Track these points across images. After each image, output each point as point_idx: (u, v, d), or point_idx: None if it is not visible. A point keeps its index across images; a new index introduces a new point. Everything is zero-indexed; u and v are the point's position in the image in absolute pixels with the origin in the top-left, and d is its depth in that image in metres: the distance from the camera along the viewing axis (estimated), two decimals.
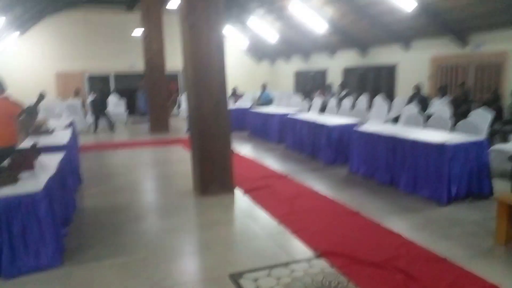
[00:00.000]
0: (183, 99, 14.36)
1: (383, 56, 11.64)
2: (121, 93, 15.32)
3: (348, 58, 13.10)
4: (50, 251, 3.41)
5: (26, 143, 5.06)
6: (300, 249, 3.65)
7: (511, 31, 7.99)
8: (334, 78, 13.66)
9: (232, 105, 11.66)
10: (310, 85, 14.90)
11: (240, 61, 17.90)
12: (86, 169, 6.72)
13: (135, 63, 14.90)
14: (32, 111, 5.30)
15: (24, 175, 3.77)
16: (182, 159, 7.63)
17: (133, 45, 14.78)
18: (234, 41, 17.42)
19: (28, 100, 8.58)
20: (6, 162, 4.11)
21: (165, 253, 3.69)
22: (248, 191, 5.42)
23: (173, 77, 15.71)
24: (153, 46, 11.01)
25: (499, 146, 5.97)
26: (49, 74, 15.06)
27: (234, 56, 17.09)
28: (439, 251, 3.47)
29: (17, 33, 13.99)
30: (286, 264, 3.33)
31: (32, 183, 3.54)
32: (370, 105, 10.44)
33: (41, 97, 4.90)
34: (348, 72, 13.37)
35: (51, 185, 3.68)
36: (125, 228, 4.32)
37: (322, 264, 3.31)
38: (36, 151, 4.41)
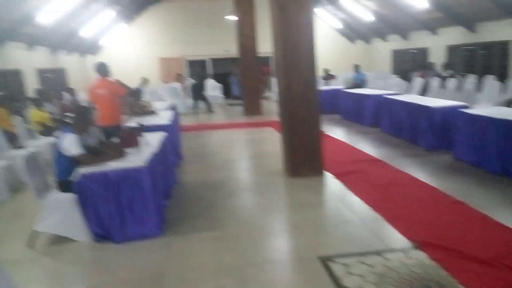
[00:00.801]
0: (274, 82, 14.46)
1: (494, 32, 10.29)
2: (217, 77, 15.97)
3: (452, 36, 11.86)
4: (153, 221, 3.71)
5: (132, 123, 5.53)
6: (395, 237, 3.46)
7: None
8: (437, 57, 12.51)
9: (323, 87, 11.39)
10: (409, 65, 13.88)
11: (333, 41, 17.36)
12: (185, 148, 7.16)
13: (230, 47, 15.33)
14: (136, 93, 5.75)
15: (130, 151, 4.13)
16: (273, 140, 7.71)
17: (228, 30, 15.19)
18: (326, 22, 16.93)
19: (134, 84, 9.39)
20: (114, 139, 4.54)
21: (257, 230, 3.78)
22: (339, 174, 5.28)
23: (266, 61, 15.86)
24: (246, 31, 11.17)
25: None
26: (153, 60, 16.26)
27: (326, 37, 16.63)
28: None
29: (124, 24, 15.29)
30: (379, 252, 3.17)
31: (137, 158, 3.86)
32: (478, 87, 9.39)
33: (144, 81, 5.37)
34: (452, 51, 12.14)
35: (154, 161, 3.97)
36: (220, 204, 4.52)
37: (420, 256, 3.09)
38: (141, 130, 4.80)
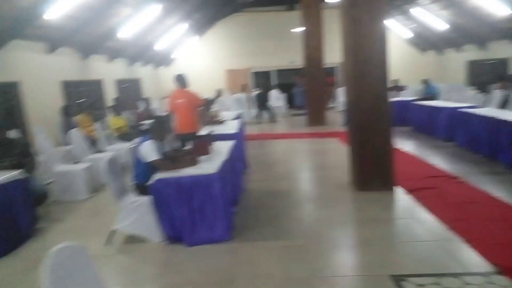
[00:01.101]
0: (339, 93, 14.26)
1: None
2: (282, 87, 16.13)
3: None
4: (222, 227, 3.81)
5: (203, 131, 5.76)
6: (474, 260, 3.22)
7: None
8: None
9: (393, 98, 11.00)
10: (487, 76, 12.97)
11: (402, 52, 16.78)
12: (250, 156, 7.28)
13: (295, 58, 15.43)
14: (210, 104, 6.01)
15: (202, 158, 4.29)
16: (338, 152, 7.59)
17: (293, 42, 15.31)
18: (396, 32, 16.41)
19: (204, 94, 9.80)
20: (188, 146, 4.75)
21: (324, 242, 3.73)
22: (411, 190, 5.05)
23: (330, 71, 15.73)
24: (312, 42, 11.19)
25: None
26: (220, 72, 16.82)
27: (395, 47, 16.08)
28: None
29: (196, 36, 16.01)
30: (457, 275, 2.98)
31: (209, 166, 4.00)
32: None
33: (219, 93, 5.60)
34: None
35: (224, 168, 4.09)
36: (285, 213, 4.53)
37: (504, 282, 2.85)
38: (212, 138, 4.97)
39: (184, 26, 13.00)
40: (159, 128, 4.14)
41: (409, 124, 9.89)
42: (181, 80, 5.69)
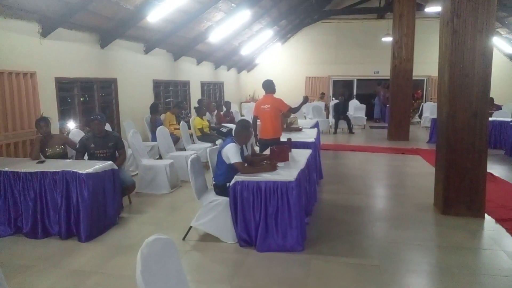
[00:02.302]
0: (425, 107, 13.48)
1: None
2: (362, 97, 15.68)
3: None
4: (295, 236, 3.80)
5: (282, 138, 5.79)
6: None
7: None
8: None
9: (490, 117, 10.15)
10: None
11: (501, 67, 15.37)
12: (325, 166, 7.17)
13: (380, 69, 14.92)
14: (296, 111, 6.02)
15: (280, 165, 4.32)
16: (421, 170, 7.17)
17: (379, 51, 14.82)
18: (497, 45, 15.09)
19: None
20: (268, 152, 4.81)
21: (401, 265, 3.55)
22: (501, 219, 4.60)
23: (419, 84, 14.94)
24: (402, 52, 10.73)
25: None
26: (300, 78, 16.81)
27: (496, 61, 14.82)
28: None
29: (279, 43, 16.20)
30: None
31: (287, 172, 4.01)
32: None
33: (305, 99, 5.57)
34: None
35: (301, 177, 4.08)
36: (360, 230, 4.38)
37: None
38: (291, 145, 4.98)
39: (269, 32, 13.24)
40: (242, 131, 4.25)
41: (502, 147, 9.02)
42: (268, 85, 5.79)
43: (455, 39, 4.64)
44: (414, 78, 11.13)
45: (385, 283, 3.21)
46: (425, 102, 14.71)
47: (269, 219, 3.81)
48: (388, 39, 12.06)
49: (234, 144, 4.07)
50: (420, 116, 14.28)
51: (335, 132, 12.24)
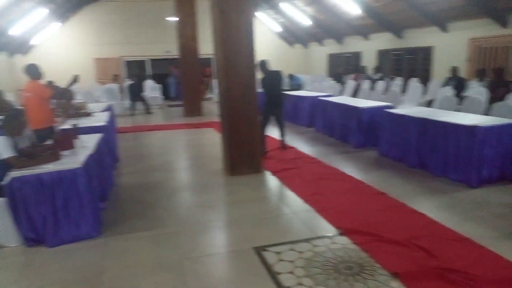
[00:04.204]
0: (215, 84, 14.58)
1: (418, 38, 11.25)
2: (157, 77, 15.76)
3: (382, 41, 12.77)
4: (89, 223, 3.69)
5: (66, 125, 5.40)
6: (324, 226, 3.75)
7: None
8: (368, 61, 13.38)
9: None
10: (343, 68, 14.69)
11: (272, 45, 17.84)
12: (123, 149, 7.07)
13: (171, 48, 15.22)
14: (64, 93, 5.61)
15: (65, 153, 4.06)
16: (213, 141, 7.84)
17: (168, 31, 15.07)
18: (267, 25, 17.40)
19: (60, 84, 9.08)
20: (49, 142, 4.43)
21: (195, 227, 3.90)
22: (276, 171, 5.54)
23: (207, 62, 15.94)
24: (187, 32, 11.20)
25: None
26: (88, 60, 15.66)
27: (266, 40, 17.08)
28: (464, 231, 3.47)
29: (59, 23, 14.59)
30: (308, 240, 3.44)
31: (72, 160, 3.82)
32: (404, 89, 10.20)
33: (74, 78, 5.09)
34: (382, 55, 13.06)
35: (90, 163, 3.95)
36: (159, 204, 4.57)
37: (344, 241, 3.40)
38: (76, 131, 4.71)
39: (44, 10, 11.76)
40: (12, 122, 3.79)
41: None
42: (31, 70, 5.18)
43: (223, 19, 5.16)
44: (202, 56, 11.83)
45: (180, 245, 3.51)
46: (214, 79, 15.89)
47: (58, 212, 3.58)
48: (174, 19, 12.37)
49: (2, 137, 3.60)
50: (212, 92, 15.37)
51: (132, 114, 12.04)
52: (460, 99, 6.93)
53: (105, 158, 4.99)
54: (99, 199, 4.13)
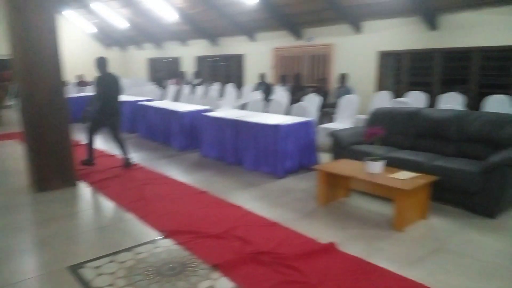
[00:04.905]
0: (17, 89, 12.70)
1: (232, 46, 12.21)
2: None
3: (200, 47, 13.35)
4: None
5: None
6: (147, 232, 3.70)
7: (334, 27, 9.25)
8: (188, 66, 13.80)
9: (77, 93, 10.89)
10: (163, 72, 14.76)
11: (87, 46, 16.63)
12: None
13: None
14: None
15: None
16: (17, 154, 6.82)
17: None
18: (79, 25, 16.08)
19: None
20: None
21: (6, 250, 3.33)
22: (94, 182, 5.19)
23: (5, 65, 13.71)
24: None
25: (325, 125, 6.95)
26: None
27: (79, 41, 15.85)
28: (273, 216, 3.94)
29: None
30: (130, 248, 3.34)
31: None
32: (221, 93, 10.89)
33: None
34: (200, 61, 13.65)
35: None
36: None
37: (167, 243, 3.43)
38: None
39: None
40: None
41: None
42: None
43: (20, 17, 4.55)
44: None
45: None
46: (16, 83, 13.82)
47: None
48: None
49: None
50: (14, 98, 13.31)
51: None
52: (268, 102, 7.81)
53: None
54: None
